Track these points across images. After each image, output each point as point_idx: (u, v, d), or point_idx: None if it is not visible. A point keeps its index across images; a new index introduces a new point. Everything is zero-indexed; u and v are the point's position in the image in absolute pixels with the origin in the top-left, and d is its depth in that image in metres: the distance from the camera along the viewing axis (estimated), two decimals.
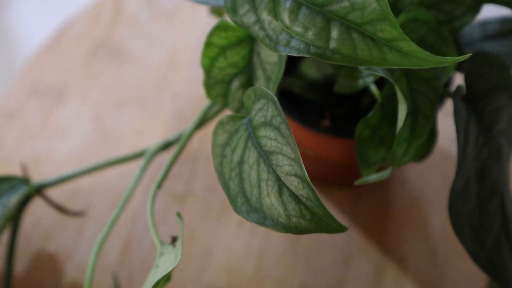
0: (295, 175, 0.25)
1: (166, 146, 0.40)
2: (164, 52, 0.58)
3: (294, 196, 0.25)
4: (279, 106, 0.26)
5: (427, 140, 0.31)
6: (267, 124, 0.27)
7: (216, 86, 0.33)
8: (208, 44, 0.32)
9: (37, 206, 0.48)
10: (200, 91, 0.58)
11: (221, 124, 0.29)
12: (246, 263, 0.45)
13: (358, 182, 0.31)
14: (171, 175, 0.50)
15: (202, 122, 0.37)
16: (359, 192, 0.48)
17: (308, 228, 0.25)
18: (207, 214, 0.48)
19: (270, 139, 0.26)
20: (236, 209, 0.26)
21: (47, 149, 0.52)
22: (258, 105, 0.27)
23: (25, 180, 0.41)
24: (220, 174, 0.27)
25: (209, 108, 0.36)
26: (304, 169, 0.25)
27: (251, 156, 0.27)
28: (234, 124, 0.28)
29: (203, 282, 0.45)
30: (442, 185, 0.48)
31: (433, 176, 0.48)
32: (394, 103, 0.31)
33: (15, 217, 0.40)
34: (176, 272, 0.39)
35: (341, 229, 0.25)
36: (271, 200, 0.26)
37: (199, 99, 0.55)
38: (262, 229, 0.47)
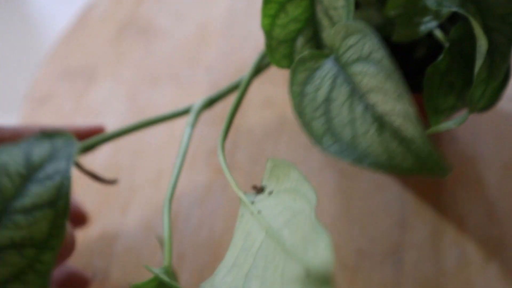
0: (398, 113, 0.24)
1: (210, 103, 0.39)
2: (193, 25, 0.57)
3: (396, 135, 0.24)
4: (379, 40, 0.24)
5: (501, 82, 0.29)
6: (362, 59, 0.24)
7: (280, 47, 0.31)
8: (266, 1, 0.30)
9: (79, 188, 0.47)
10: (234, 63, 0.56)
11: (302, 61, 0.26)
12: None
13: (430, 130, 0.29)
14: (213, 148, 0.49)
15: (257, 70, 0.35)
16: None
17: (411, 169, 0.23)
18: None
19: (367, 75, 0.24)
20: (323, 150, 0.25)
21: None
22: (350, 41, 0.25)
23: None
24: (300, 114, 0.25)
25: (262, 57, 0.34)
26: (412, 105, 0.23)
27: (342, 93, 0.25)
28: (316, 61, 0.26)
29: None
30: (495, 141, 0.46)
31: (484, 132, 0.47)
32: (462, 46, 0.30)
33: None
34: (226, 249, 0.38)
35: (446, 172, 0.23)
36: (369, 140, 0.24)
37: (234, 72, 0.54)
38: None
